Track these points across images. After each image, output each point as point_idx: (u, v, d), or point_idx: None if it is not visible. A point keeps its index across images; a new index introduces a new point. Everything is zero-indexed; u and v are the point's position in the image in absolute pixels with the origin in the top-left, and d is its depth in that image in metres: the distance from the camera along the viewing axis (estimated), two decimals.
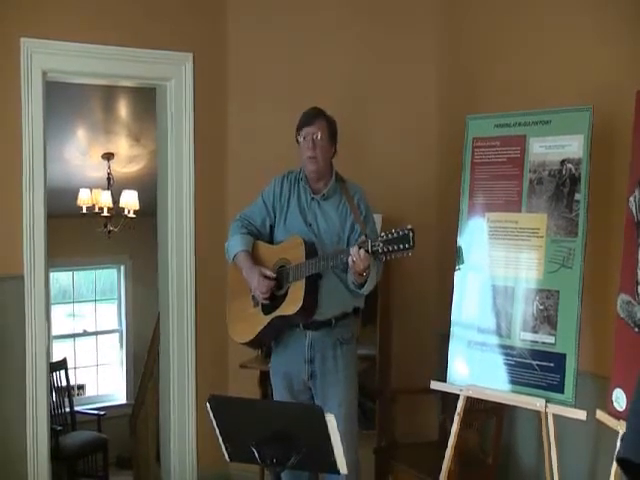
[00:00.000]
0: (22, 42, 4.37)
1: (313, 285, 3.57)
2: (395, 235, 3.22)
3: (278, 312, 3.62)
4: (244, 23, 5.01)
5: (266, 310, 3.68)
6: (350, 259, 3.34)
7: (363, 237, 3.37)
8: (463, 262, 3.81)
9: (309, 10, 4.98)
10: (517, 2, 4.17)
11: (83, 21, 4.54)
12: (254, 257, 3.74)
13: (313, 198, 3.73)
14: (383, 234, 3.27)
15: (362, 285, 3.56)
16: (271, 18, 5.00)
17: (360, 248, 3.30)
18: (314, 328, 3.67)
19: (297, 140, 3.73)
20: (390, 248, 3.23)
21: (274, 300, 3.65)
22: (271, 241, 3.82)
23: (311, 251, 3.58)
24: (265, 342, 3.94)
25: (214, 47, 5.00)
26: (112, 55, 4.63)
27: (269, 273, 3.64)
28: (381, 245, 3.25)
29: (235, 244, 3.77)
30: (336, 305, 3.67)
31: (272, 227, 3.83)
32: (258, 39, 5.01)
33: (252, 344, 3.91)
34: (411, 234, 3.19)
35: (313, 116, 3.70)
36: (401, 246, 3.20)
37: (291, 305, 3.58)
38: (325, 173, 3.73)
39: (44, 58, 4.45)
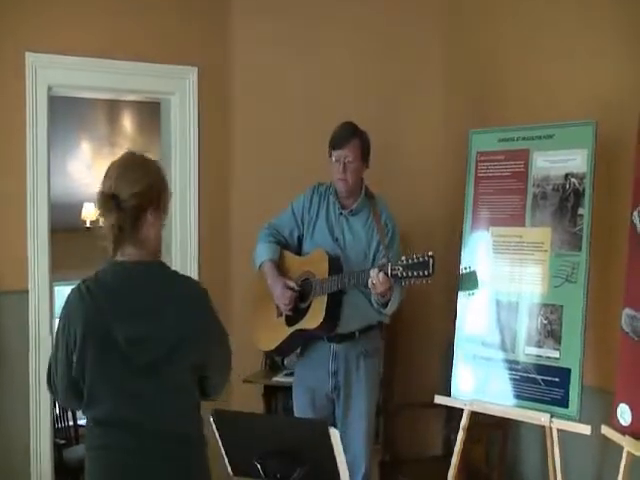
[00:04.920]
0: (27, 56, 4.38)
1: (336, 300, 3.60)
2: (415, 261, 3.25)
3: (300, 325, 3.67)
4: (249, 37, 5.02)
5: (289, 321, 3.73)
6: (370, 281, 3.36)
7: (384, 260, 3.40)
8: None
9: (316, 24, 4.99)
10: (521, 18, 4.17)
11: (88, 36, 4.55)
12: (280, 267, 3.78)
13: (341, 213, 3.76)
14: (404, 258, 3.30)
15: (385, 305, 3.58)
16: (276, 32, 5.00)
17: (380, 271, 3.32)
18: (338, 341, 3.70)
19: (330, 155, 3.73)
20: (409, 273, 3.26)
21: (297, 312, 3.69)
22: (299, 252, 3.85)
23: (335, 266, 3.61)
24: (287, 352, 4.03)
25: (218, 61, 5.01)
26: (116, 69, 4.64)
27: (292, 284, 3.66)
28: (401, 269, 3.28)
29: (262, 253, 3.82)
30: (359, 319, 3.70)
31: (300, 238, 3.86)
32: (263, 53, 5.01)
33: (274, 353, 4.05)
34: (431, 261, 3.22)
35: (345, 138, 3.68)
36: (420, 272, 3.23)
37: (313, 319, 3.61)
38: (355, 190, 3.74)
39: (49, 72, 4.46)
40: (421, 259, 3.24)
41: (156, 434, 2.44)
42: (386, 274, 3.32)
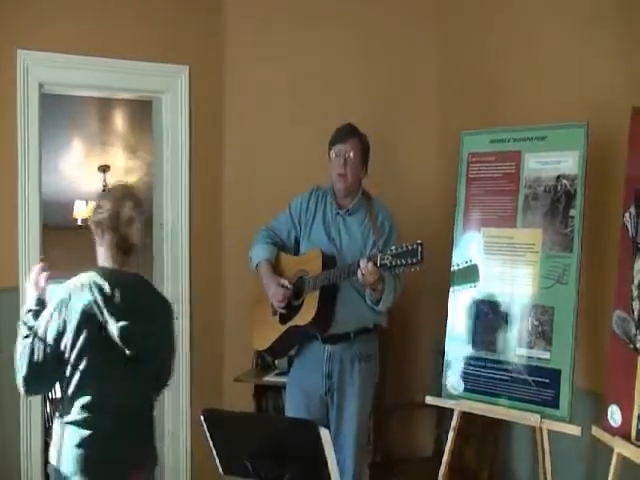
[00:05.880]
0: (19, 54, 4.38)
1: (329, 297, 3.61)
2: (404, 249, 3.26)
3: (293, 322, 3.68)
4: (242, 36, 5.01)
5: (283, 320, 3.73)
6: (359, 272, 3.37)
7: (374, 251, 3.41)
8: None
9: (309, 24, 4.99)
10: (515, 20, 4.17)
11: (80, 33, 4.54)
12: (276, 267, 3.81)
13: (338, 213, 3.77)
14: (393, 247, 3.31)
15: (378, 301, 3.58)
16: (270, 32, 5.00)
17: (369, 261, 3.33)
18: (332, 342, 3.70)
19: (329, 155, 3.76)
20: (398, 262, 3.26)
21: (291, 310, 3.69)
22: (297, 253, 3.87)
23: (329, 263, 3.64)
24: (281, 351, 4.03)
25: (211, 60, 5.00)
26: (108, 67, 4.63)
27: (285, 283, 3.68)
28: (390, 258, 3.28)
29: (258, 253, 3.85)
30: (354, 319, 3.69)
31: (297, 239, 3.88)
32: (256, 52, 5.01)
33: (269, 352, 4.01)
34: (420, 248, 3.22)
35: (347, 134, 3.73)
36: (409, 260, 3.23)
37: (305, 315, 3.62)
38: (353, 191, 3.77)
39: (41, 70, 4.45)
40: (410, 247, 3.25)
41: (128, 414, 2.88)
42: (375, 264, 3.33)
